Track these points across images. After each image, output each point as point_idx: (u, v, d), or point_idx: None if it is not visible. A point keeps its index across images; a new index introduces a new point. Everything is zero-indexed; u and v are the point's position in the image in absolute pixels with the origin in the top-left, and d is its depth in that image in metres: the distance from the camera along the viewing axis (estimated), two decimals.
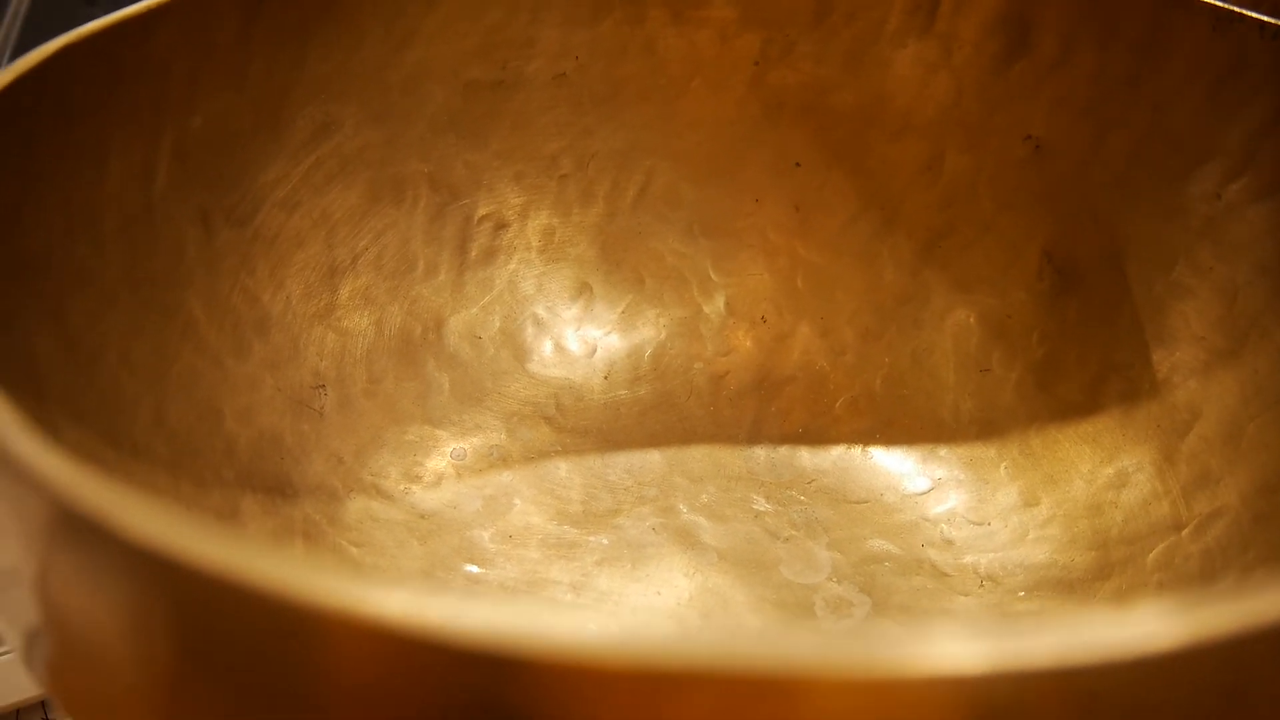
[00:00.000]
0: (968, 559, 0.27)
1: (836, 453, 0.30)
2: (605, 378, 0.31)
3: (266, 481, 0.25)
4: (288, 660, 0.11)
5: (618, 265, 0.32)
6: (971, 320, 0.31)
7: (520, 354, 0.31)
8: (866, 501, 0.28)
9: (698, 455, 0.29)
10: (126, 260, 0.23)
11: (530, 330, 0.31)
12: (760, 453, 0.30)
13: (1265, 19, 0.24)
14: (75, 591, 0.11)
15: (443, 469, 0.28)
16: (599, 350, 0.31)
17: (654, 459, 0.29)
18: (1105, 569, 0.25)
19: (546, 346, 0.31)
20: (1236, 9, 0.25)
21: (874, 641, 0.10)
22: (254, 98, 0.26)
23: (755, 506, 0.28)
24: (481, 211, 0.31)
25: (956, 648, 0.10)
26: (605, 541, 0.27)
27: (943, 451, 0.29)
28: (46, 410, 0.20)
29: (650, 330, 0.32)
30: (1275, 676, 0.10)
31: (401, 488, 0.27)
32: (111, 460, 0.21)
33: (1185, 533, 0.25)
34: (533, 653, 0.10)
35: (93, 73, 0.22)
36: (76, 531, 0.10)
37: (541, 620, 0.10)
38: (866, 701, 0.10)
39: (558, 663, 0.10)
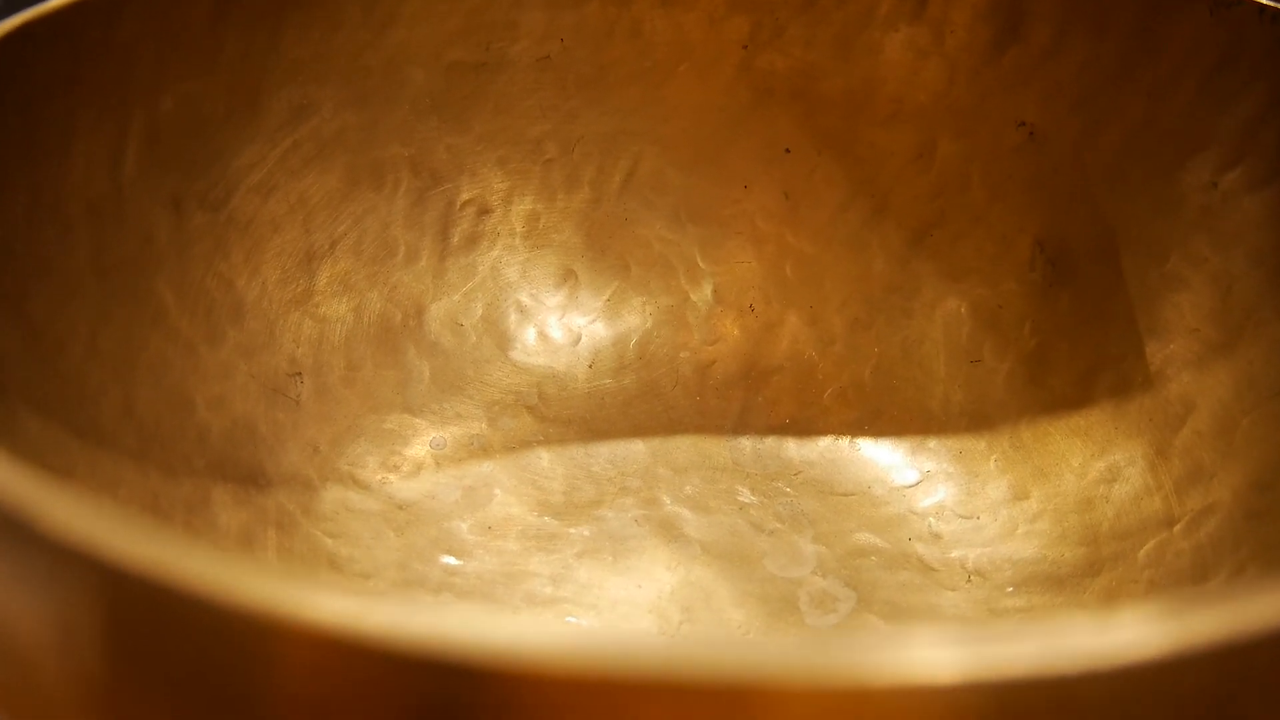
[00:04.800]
0: (955, 553, 0.26)
1: (824, 444, 0.29)
2: (590, 366, 0.30)
3: (239, 471, 0.24)
4: (228, 668, 0.10)
5: (603, 252, 0.31)
6: (962, 311, 0.30)
7: (503, 342, 0.30)
8: (853, 494, 0.28)
9: (682, 446, 0.29)
10: (93, 246, 0.22)
11: (513, 318, 0.30)
12: (746, 444, 0.29)
13: (1264, 1, 0.24)
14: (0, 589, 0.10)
15: (421, 459, 0.27)
16: (583, 338, 0.31)
17: (638, 449, 0.29)
18: (1095, 565, 0.25)
19: (530, 334, 0.30)
20: None
21: (842, 648, 0.09)
22: (227, 80, 0.26)
23: (740, 498, 0.28)
24: (464, 196, 0.30)
25: (929, 655, 0.09)
26: (586, 533, 0.26)
27: (932, 444, 0.29)
28: (5, 400, 0.19)
29: (636, 318, 0.31)
30: (1266, 685, 0.09)
31: (379, 477, 0.27)
32: (75, 451, 0.20)
33: (1177, 529, 0.24)
34: (477, 660, 0.09)
35: (56, 53, 0.21)
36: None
37: (486, 626, 0.10)
38: (833, 712, 0.09)
39: (504, 670, 0.09)
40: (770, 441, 0.29)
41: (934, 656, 0.09)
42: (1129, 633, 0.09)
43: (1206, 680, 0.09)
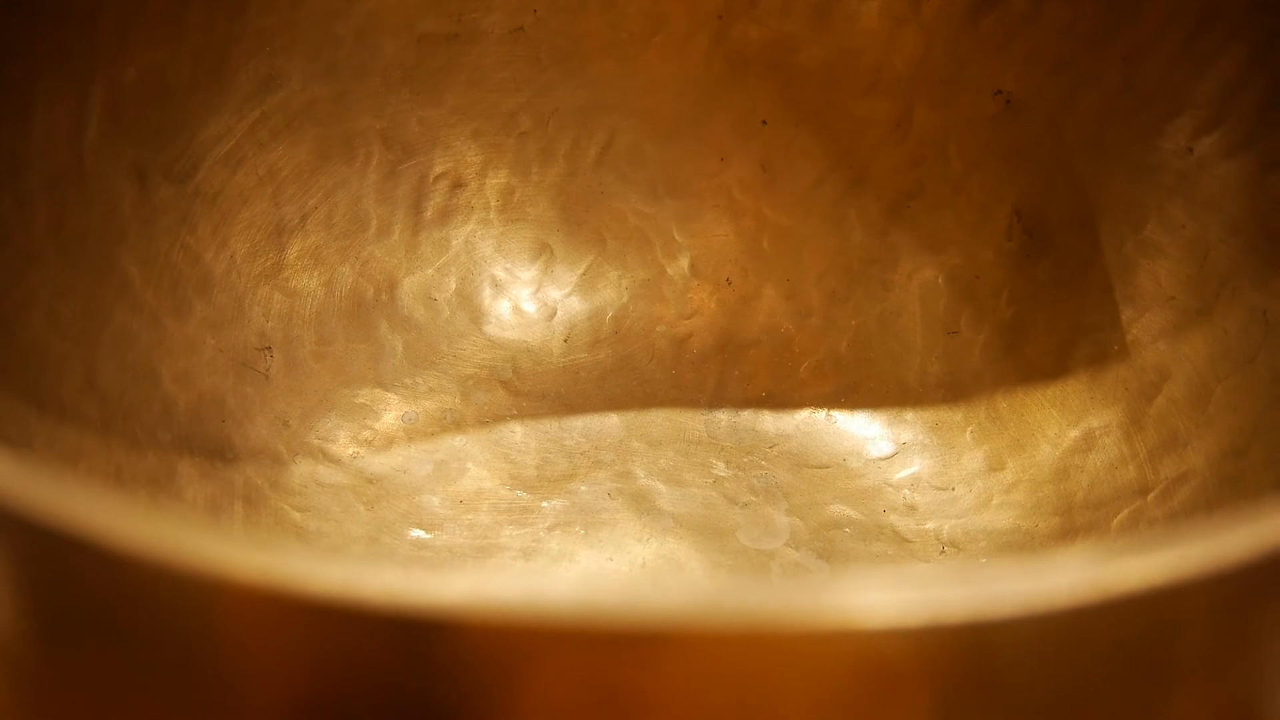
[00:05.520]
0: (930, 525, 0.26)
1: (800, 417, 0.29)
2: (565, 340, 0.30)
3: (206, 445, 0.24)
4: (156, 625, 0.10)
5: (579, 226, 0.31)
6: (940, 281, 0.30)
7: (477, 316, 0.30)
8: (829, 466, 0.28)
9: (657, 419, 0.29)
10: (54, 216, 0.22)
11: (487, 292, 0.30)
12: (722, 417, 0.29)
13: None
14: None
15: (393, 432, 0.27)
16: (558, 312, 0.30)
17: (612, 423, 0.29)
18: (1069, 535, 0.25)
19: (504, 308, 0.30)
20: None
21: (766, 594, 0.09)
22: (192, 50, 0.25)
23: (715, 471, 0.27)
24: (437, 170, 0.30)
25: (857, 600, 0.09)
26: (559, 506, 0.26)
27: (908, 415, 0.29)
28: None
29: (612, 292, 0.31)
30: (1192, 631, 0.09)
31: (349, 452, 0.27)
32: (34, 421, 0.20)
33: (1151, 497, 0.24)
34: (399, 611, 0.09)
35: (12, 15, 0.21)
36: None
37: (409, 579, 0.09)
38: (755, 657, 0.09)
39: (426, 620, 0.09)
40: (746, 415, 0.29)
41: (861, 601, 0.09)
42: (1057, 578, 0.09)
43: (1134, 625, 0.09)
